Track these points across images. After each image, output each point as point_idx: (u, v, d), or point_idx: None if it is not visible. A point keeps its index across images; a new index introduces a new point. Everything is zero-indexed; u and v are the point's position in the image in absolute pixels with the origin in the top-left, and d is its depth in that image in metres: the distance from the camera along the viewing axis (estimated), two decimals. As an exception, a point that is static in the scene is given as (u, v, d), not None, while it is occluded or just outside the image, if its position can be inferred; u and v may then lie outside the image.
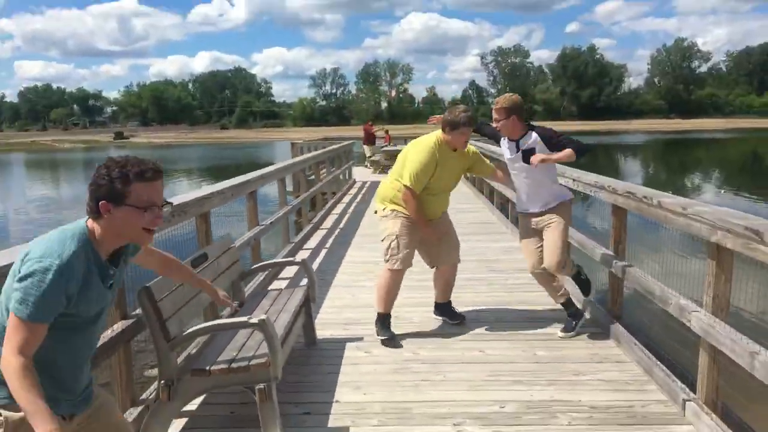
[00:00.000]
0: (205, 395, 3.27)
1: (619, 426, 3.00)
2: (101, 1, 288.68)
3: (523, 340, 4.17)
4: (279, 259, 5.79)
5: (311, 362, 3.90)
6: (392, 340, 4.13)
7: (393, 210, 4.19)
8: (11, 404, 1.66)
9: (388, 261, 4.19)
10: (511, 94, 4.16)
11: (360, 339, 4.25)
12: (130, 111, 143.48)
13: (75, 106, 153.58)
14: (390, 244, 4.15)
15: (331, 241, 8.08)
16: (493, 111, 4.08)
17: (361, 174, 18.40)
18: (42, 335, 1.65)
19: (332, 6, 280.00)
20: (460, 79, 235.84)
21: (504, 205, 9.80)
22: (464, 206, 10.46)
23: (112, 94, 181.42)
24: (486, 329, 4.39)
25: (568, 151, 3.93)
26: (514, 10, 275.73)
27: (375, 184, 15.41)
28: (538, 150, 4.02)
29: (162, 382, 2.89)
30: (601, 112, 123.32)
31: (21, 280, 1.63)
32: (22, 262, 1.67)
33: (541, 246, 4.21)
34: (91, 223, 1.79)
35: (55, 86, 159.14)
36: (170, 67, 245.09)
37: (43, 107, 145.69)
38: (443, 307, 4.56)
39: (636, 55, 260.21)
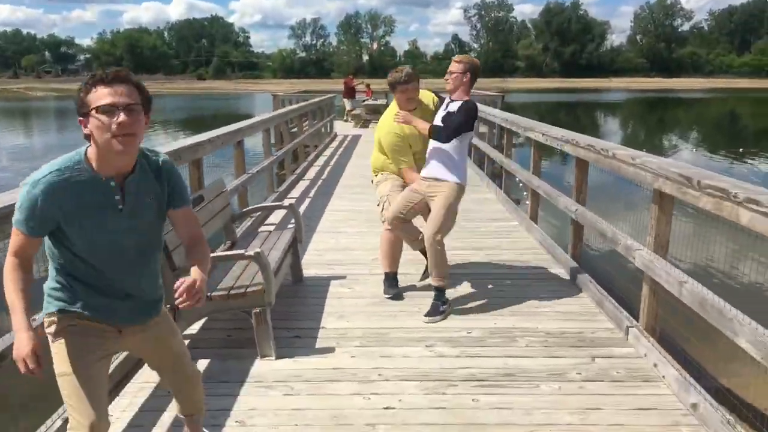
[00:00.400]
0: (204, 320, 3.64)
1: (570, 347, 3.45)
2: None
3: (489, 279, 4.60)
4: (268, 203, 6.12)
5: (298, 296, 4.29)
6: (398, 296, 4.23)
7: (383, 172, 4.37)
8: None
9: (383, 222, 4.28)
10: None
11: (343, 277, 4.64)
12: (104, 59, 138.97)
13: (47, 53, 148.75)
14: (382, 206, 4.29)
15: (314, 191, 8.40)
16: (452, 62, 3.96)
17: (342, 128, 18.56)
18: (30, 244, 1.81)
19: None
20: (443, 32, 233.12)
21: (481, 161, 10.16)
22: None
23: (85, 42, 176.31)
24: (458, 270, 4.78)
25: (426, 125, 3.95)
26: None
27: (356, 137, 15.68)
28: (455, 116, 3.86)
29: (168, 306, 3.24)
30: (583, 69, 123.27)
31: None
32: None
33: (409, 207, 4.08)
34: (91, 149, 1.81)
35: (25, 32, 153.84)
36: (144, 14, 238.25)
37: (13, 53, 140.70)
38: None
39: (619, 12, 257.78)
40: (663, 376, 3.06)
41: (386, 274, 4.34)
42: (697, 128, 31.58)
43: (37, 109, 49.30)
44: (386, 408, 2.82)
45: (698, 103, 55.19)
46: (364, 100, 21.48)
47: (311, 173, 9.97)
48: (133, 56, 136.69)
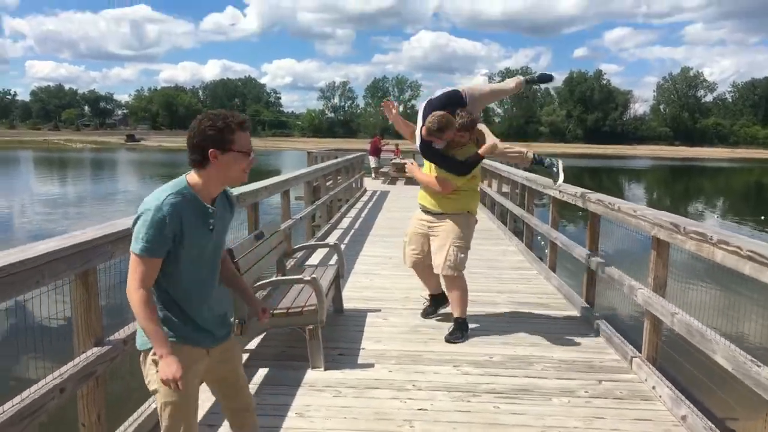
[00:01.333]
0: (262, 337, 4.23)
1: (580, 372, 3.94)
2: (115, 7, 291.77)
3: (510, 317, 5.13)
4: (314, 242, 6.77)
5: (340, 324, 4.86)
6: (426, 314, 5.05)
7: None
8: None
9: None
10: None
11: (378, 310, 5.21)
12: (141, 114, 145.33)
13: (86, 107, 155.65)
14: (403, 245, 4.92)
15: (348, 238, 9.05)
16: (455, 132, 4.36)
17: (370, 184, 19.41)
18: (154, 268, 1.95)
19: (343, 21, 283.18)
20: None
21: (504, 218, 10.76)
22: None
23: (123, 98, 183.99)
24: (482, 309, 5.31)
25: (424, 176, 4.63)
26: (522, 33, 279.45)
27: (384, 193, 16.47)
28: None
29: (236, 320, 3.86)
30: (606, 136, 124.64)
31: (132, 226, 1.98)
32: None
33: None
34: (191, 176, 2.05)
35: (66, 87, 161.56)
36: (181, 74, 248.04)
37: (54, 107, 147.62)
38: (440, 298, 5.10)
39: (642, 82, 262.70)
40: (660, 396, 3.54)
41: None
42: (723, 197, 31.76)
43: (75, 160, 51.43)
44: (420, 409, 3.35)
45: (723, 172, 55.43)
46: (391, 159, 22.48)
47: (344, 223, 10.65)
48: (169, 113, 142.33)
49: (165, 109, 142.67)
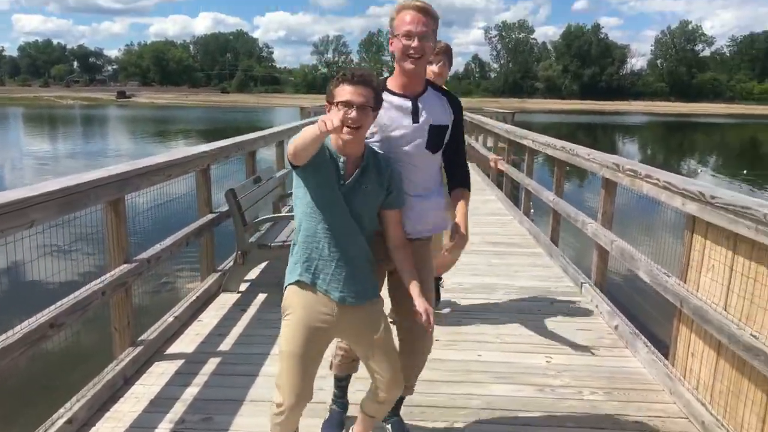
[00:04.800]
0: (264, 266, 4.82)
1: (536, 296, 4.56)
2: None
3: (481, 254, 5.73)
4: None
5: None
6: None
7: None
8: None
9: None
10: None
11: (365, 248, 5.80)
12: (131, 70, 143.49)
13: (75, 63, 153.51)
14: None
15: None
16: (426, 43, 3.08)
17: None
18: (300, 155, 1.89)
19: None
20: (465, 52, 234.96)
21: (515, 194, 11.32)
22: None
23: (112, 53, 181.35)
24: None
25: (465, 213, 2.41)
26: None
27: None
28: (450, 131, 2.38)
29: (239, 252, 4.44)
30: (603, 91, 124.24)
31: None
32: None
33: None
34: None
35: (55, 42, 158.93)
36: (171, 27, 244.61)
37: (43, 63, 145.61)
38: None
39: (641, 36, 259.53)
40: (601, 312, 4.17)
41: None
42: (718, 153, 31.94)
43: (68, 117, 51.16)
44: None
45: (718, 128, 55.66)
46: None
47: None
48: (160, 68, 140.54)
49: (155, 64, 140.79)
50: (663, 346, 3.44)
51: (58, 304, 2.55)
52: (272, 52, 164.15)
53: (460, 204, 2.35)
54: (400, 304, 2.32)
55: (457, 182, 2.42)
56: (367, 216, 2.09)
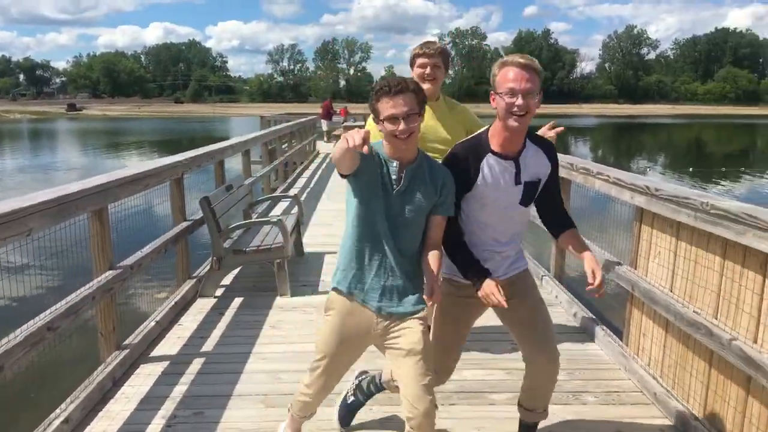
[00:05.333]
0: (237, 271, 4.95)
1: (501, 289, 4.82)
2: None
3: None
4: (279, 194, 7.46)
5: (302, 263, 5.62)
6: None
7: None
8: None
9: None
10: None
11: (335, 252, 5.96)
12: (81, 82, 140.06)
13: (21, 75, 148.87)
14: None
15: (304, 195, 9.75)
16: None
17: (323, 147, 19.98)
18: (340, 167, 1.97)
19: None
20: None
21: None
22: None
23: (60, 65, 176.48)
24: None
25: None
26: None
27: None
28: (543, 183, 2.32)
29: (214, 258, 4.57)
30: (554, 95, 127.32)
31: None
32: None
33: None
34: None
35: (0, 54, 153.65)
36: (120, 38, 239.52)
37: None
38: None
39: (590, 40, 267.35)
40: (561, 302, 4.46)
41: None
42: (665, 153, 33.28)
43: (14, 132, 49.56)
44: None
45: (664, 128, 57.71)
46: (344, 121, 23.07)
47: (300, 183, 11.33)
48: (110, 79, 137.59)
49: (106, 75, 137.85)
50: (617, 330, 3.74)
51: (54, 308, 2.66)
52: (226, 62, 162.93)
53: (587, 253, 2.26)
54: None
55: (559, 225, 2.42)
56: (416, 223, 2.10)
